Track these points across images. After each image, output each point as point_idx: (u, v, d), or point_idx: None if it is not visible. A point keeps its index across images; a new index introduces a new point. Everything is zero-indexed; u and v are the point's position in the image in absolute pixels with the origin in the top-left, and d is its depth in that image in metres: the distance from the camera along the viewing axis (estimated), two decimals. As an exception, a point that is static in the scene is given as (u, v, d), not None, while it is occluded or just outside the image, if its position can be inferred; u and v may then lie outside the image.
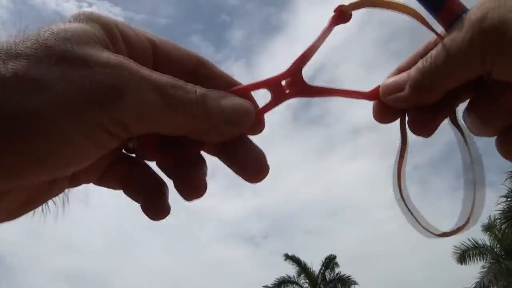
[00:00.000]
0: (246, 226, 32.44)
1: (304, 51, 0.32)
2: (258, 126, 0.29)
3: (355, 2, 0.32)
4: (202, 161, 0.30)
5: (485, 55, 0.25)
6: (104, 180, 0.29)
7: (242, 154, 0.28)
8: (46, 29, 0.23)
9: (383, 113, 0.32)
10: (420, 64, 0.29)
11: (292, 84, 0.31)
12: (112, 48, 0.25)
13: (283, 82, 0.31)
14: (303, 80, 0.31)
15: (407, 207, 0.33)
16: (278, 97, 0.31)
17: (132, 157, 0.30)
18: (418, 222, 0.33)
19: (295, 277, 16.29)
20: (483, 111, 0.28)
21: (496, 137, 0.29)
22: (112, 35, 0.25)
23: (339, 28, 0.35)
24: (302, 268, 16.25)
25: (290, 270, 16.62)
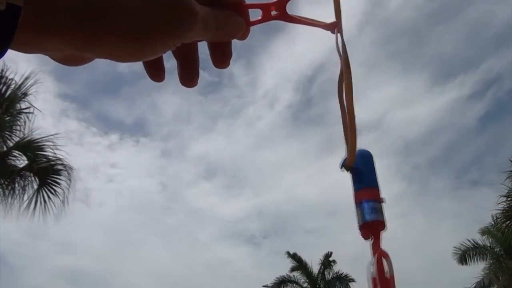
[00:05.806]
0: (246, 226, 32.48)
1: None
2: (244, 35, 0.43)
3: None
4: (198, 54, 0.43)
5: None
6: None
7: (224, 48, 0.42)
8: None
9: None
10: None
11: (277, 10, 0.44)
12: None
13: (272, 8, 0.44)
14: (286, 11, 0.44)
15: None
16: (265, 17, 0.43)
17: None
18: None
19: (289, 273, 16.27)
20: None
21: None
22: None
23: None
24: (303, 267, 16.25)
25: (290, 270, 16.62)
